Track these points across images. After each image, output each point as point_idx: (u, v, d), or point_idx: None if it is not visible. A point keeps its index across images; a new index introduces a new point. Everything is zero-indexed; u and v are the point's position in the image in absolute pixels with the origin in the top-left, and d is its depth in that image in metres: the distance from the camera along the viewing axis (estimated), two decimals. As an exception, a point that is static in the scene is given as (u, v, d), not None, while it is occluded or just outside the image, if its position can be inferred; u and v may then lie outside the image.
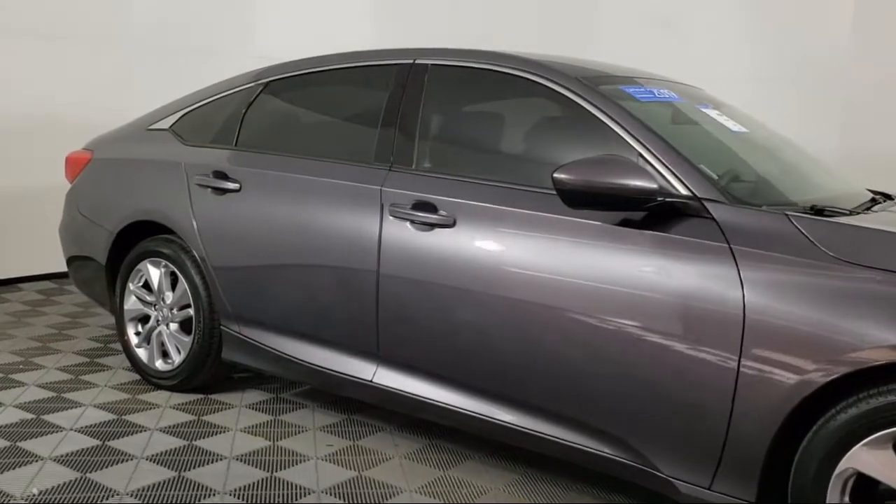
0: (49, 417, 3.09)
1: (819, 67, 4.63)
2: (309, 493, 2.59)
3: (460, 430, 2.79)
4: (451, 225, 2.60)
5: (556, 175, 2.26)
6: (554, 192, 2.36)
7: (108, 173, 3.75)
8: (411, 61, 2.96)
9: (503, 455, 2.93)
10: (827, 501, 1.98)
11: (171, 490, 2.56)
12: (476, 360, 2.60)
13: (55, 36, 5.22)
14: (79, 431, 2.98)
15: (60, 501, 2.46)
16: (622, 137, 2.41)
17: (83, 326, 4.43)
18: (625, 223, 2.30)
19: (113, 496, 2.50)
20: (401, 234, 2.72)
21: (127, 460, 2.76)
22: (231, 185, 3.19)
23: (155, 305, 3.49)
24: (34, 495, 2.48)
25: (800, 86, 4.63)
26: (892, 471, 1.90)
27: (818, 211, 2.26)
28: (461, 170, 2.76)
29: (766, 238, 2.12)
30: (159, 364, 3.48)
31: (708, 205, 2.21)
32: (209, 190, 3.26)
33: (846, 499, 1.98)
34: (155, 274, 3.47)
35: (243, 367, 3.38)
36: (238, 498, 2.53)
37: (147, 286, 3.52)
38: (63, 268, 4.10)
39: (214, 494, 2.55)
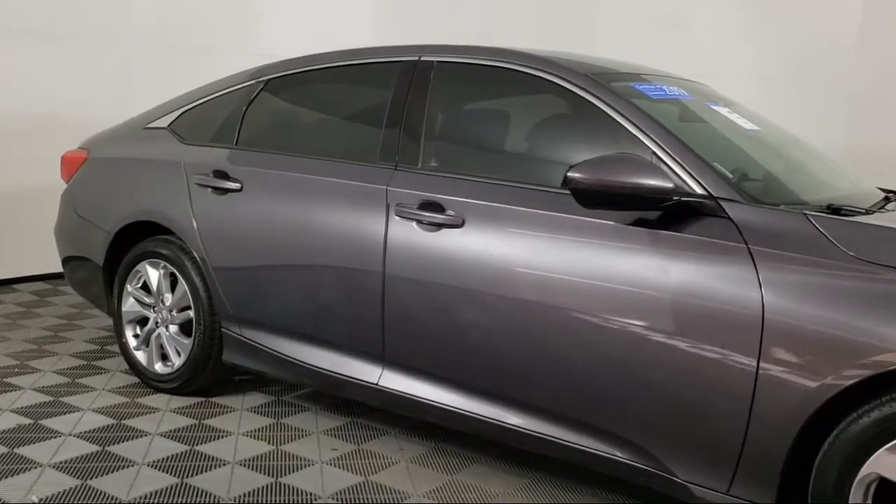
0: (47, 422, 3.03)
1: (822, 65, 4.59)
2: (316, 499, 2.54)
3: (466, 433, 2.74)
4: (460, 225, 2.55)
5: (569, 174, 2.21)
6: (565, 192, 2.33)
7: (105, 173, 3.69)
8: (416, 58, 2.91)
9: (510, 458, 2.88)
10: (849, 506, 1.94)
11: (174, 497, 2.51)
12: (485, 363, 2.56)
13: (54, 35, 5.15)
14: (78, 437, 2.92)
15: (61, 509, 2.40)
16: (635, 136, 2.36)
17: (79, 328, 4.36)
18: (639, 223, 2.25)
19: (115, 504, 2.45)
20: (407, 234, 2.67)
21: (128, 466, 2.70)
22: (232, 185, 3.13)
23: (154, 307, 3.43)
24: None
25: (803, 83, 4.60)
26: (917, 475, 1.87)
27: (835, 210, 2.22)
28: (469, 169, 2.71)
29: (785, 238, 2.08)
30: (159, 367, 3.41)
31: (724, 204, 2.17)
32: (209, 190, 3.20)
33: (869, 503, 1.94)
34: (154, 275, 3.40)
35: (244, 370, 3.32)
36: (243, 504, 2.48)
37: (146, 288, 3.46)
38: (57, 268, 4.03)
39: (219, 501, 2.49)
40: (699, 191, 2.21)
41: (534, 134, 2.79)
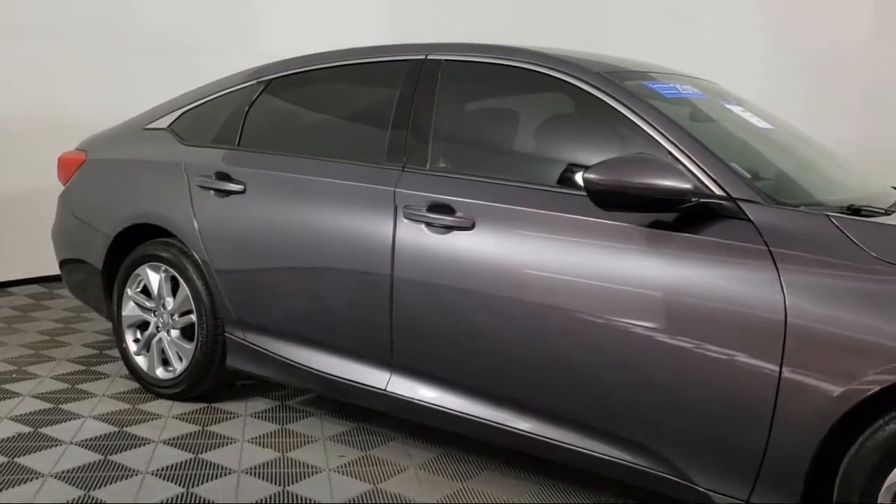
0: (47, 430, 2.97)
1: (833, 60, 4.53)
2: (325, 509, 2.49)
3: (476, 438, 2.69)
4: (470, 227, 2.50)
5: (586, 175, 2.16)
6: (579, 193, 2.28)
7: (104, 175, 3.62)
8: (423, 57, 2.85)
9: (519, 463, 2.83)
10: (876, 513, 1.90)
11: (179, 507, 2.45)
12: (496, 367, 2.50)
13: (52, 35, 5.07)
14: (79, 445, 2.86)
15: (64, 521, 2.34)
16: (651, 136, 2.31)
17: (77, 332, 4.29)
18: (655, 225, 2.20)
19: (119, 515, 2.39)
20: (416, 236, 2.61)
21: (131, 476, 2.64)
22: (235, 187, 3.07)
23: (155, 311, 3.37)
24: (36, 515, 2.36)
25: (812, 80, 4.53)
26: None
27: (854, 211, 2.18)
28: (479, 170, 2.66)
29: (807, 240, 2.03)
30: (160, 372, 3.35)
31: (743, 205, 2.12)
32: (211, 192, 3.14)
33: (896, 511, 1.90)
34: (154, 279, 3.34)
35: (246, 374, 3.26)
36: (250, 515, 2.43)
37: (146, 291, 3.39)
38: (53, 271, 3.96)
39: (226, 511, 2.44)
40: (717, 192, 2.16)
41: (545, 134, 2.73)
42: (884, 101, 4.40)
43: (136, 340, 3.45)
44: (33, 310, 4.71)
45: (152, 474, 2.66)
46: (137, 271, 3.39)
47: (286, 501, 2.52)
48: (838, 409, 1.91)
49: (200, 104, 3.45)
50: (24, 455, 2.75)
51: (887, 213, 2.24)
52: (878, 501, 1.89)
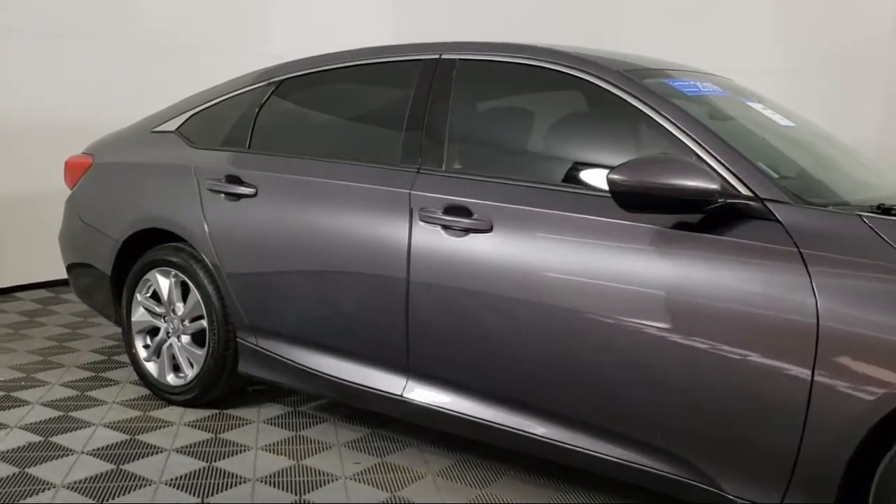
0: (58, 439, 2.92)
1: (855, 55, 4.44)
2: (343, 518, 2.44)
3: (496, 445, 2.63)
4: (488, 230, 2.45)
5: (611, 176, 2.11)
6: (601, 194, 2.24)
7: (112, 179, 3.57)
8: (437, 56, 2.80)
9: (538, 469, 2.78)
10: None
11: (195, 518, 2.41)
12: (516, 372, 2.46)
13: (53, 35, 5.03)
14: (90, 454, 2.81)
15: (78, 534, 2.30)
16: (674, 135, 2.26)
17: (84, 338, 4.24)
18: (680, 227, 2.15)
19: (134, 526, 2.34)
20: (432, 239, 2.56)
21: (145, 485, 2.59)
22: (246, 191, 3.02)
23: (165, 317, 3.32)
24: (49, 528, 2.32)
25: (833, 76, 4.44)
26: None
27: (885, 210, 2.12)
28: (496, 171, 2.61)
29: (838, 241, 1.98)
30: (171, 378, 3.30)
31: (771, 206, 2.07)
32: (222, 195, 3.09)
33: (934, 518, 1.85)
34: (164, 284, 3.29)
35: (259, 380, 3.21)
36: (268, 525, 2.38)
37: (156, 297, 3.34)
38: (58, 275, 3.91)
39: (242, 522, 2.39)
40: (744, 192, 2.11)
41: (564, 134, 2.68)
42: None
43: (146, 346, 3.40)
44: (40, 315, 4.67)
45: (166, 484, 2.61)
46: (147, 276, 3.34)
47: (303, 511, 2.48)
48: (874, 414, 1.85)
49: (209, 106, 3.40)
50: (35, 465, 2.70)
51: (918, 212, 2.19)
52: (916, 508, 1.85)
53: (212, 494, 2.55)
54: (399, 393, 2.71)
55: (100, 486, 2.57)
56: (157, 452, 2.85)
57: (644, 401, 2.22)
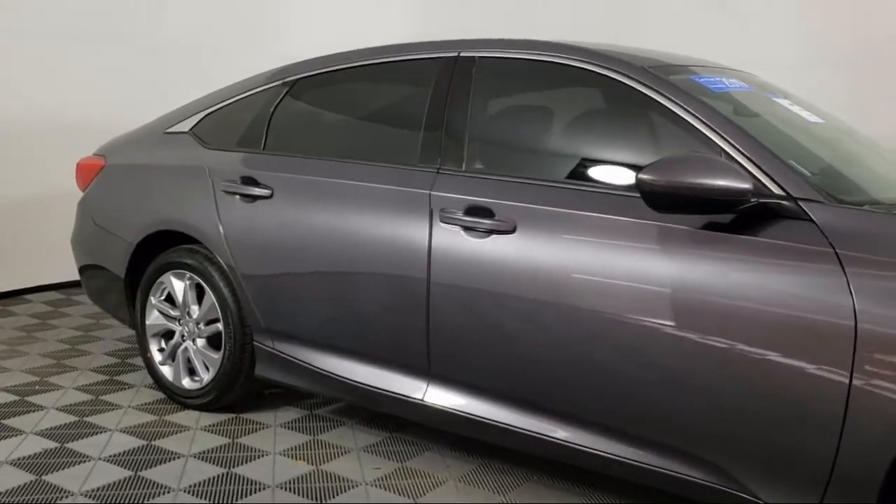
0: (74, 445, 2.88)
1: (873, 52, 4.35)
2: (365, 526, 2.40)
3: (522, 451, 2.59)
4: (511, 231, 2.40)
5: (640, 176, 2.05)
6: (629, 194, 2.19)
7: (125, 180, 3.53)
8: (455, 54, 2.75)
9: (561, 474, 2.73)
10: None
11: (215, 526, 2.37)
12: (540, 377, 2.41)
13: (63, 35, 4.99)
14: (107, 461, 2.77)
15: (97, 543, 2.26)
16: (703, 133, 2.20)
17: (97, 340, 4.21)
18: (711, 227, 2.10)
19: (154, 535, 2.31)
20: (453, 241, 2.52)
21: (164, 492, 2.55)
22: (262, 192, 2.98)
23: (180, 320, 3.28)
24: (68, 537, 2.28)
25: (852, 71, 4.35)
26: None
27: (920, 209, 2.07)
28: (518, 171, 2.56)
29: (876, 241, 1.93)
30: (186, 382, 3.27)
31: (805, 205, 2.02)
32: (237, 197, 3.05)
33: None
34: (179, 287, 3.25)
35: (275, 384, 3.17)
36: (289, 533, 2.34)
37: (170, 300, 3.31)
38: (69, 277, 3.87)
39: (263, 530, 2.35)
40: (777, 191, 2.06)
41: (588, 133, 2.62)
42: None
43: (161, 350, 3.36)
44: (52, 317, 4.64)
45: (185, 491, 2.57)
46: (161, 279, 3.30)
47: (325, 518, 2.44)
48: (915, 419, 1.80)
49: (222, 107, 3.36)
50: (51, 472, 2.66)
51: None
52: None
53: (232, 501, 2.51)
54: (420, 397, 2.67)
55: (118, 494, 2.53)
56: (174, 458, 2.81)
57: (673, 405, 2.17)
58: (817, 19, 4.59)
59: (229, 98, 3.35)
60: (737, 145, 2.15)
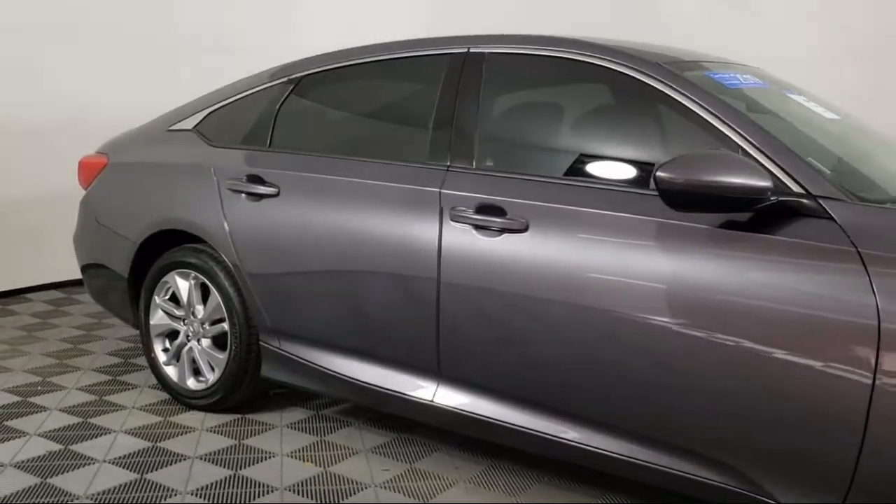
0: (78, 447, 2.84)
1: (887, 47, 4.31)
2: (376, 529, 2.36)
3: (534, 453, 2.55)
4: (523, 229, 2.36)
5: (658, 174, 2.02)
6: (645, 192, 2.16)
7: (128, 179, 3.49)
8: (465, 50, 2.71)
9: (570, 475, 2.70)
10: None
11: (224, 530, 2.33)
12: (553, 378, 2.37)
13: (67, 33, 4.95)
14: (112, 463, 2.73)
15: (104, 548, 2.22)
16: (720, 130, 2.17)
17: (99, 339, 4.17)
18: (729, 226, 2.06)
19: (161, 539, 2.27)
20: (464, 240, 2.48)
21: (171, 495, 2.52)
22: (268, 190, 2.94)
23: (184, 320, 3.24)
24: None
25: (865, 67, 4.30)
26: None
27: (944, 208, 2.03)
28: (529, 168, 2.53)
29: (900, 240, 1.89)
30: (191, 383, 3.23)
31: (825, 203, 1.98)
32: (243, 195, 3.01)
33: None
34: (183, 286, 3.21)
35: (281, 385, 3.13)
36: (299, 537, 2.30)
37: (175, 299, 3.27)
38: (70, 276, 3.83)
39: (272, 533, 2.32)
40: (796, 189, 2.02)
41: (601, 130, 2.58)
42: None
43: (166, 350, 3.32)
44: (53, 316, 4.59)
45: (192, 494, 2.53)
46: (165, 278, 3.26)
47: (334, 521, 2.40)
48: (940, 422, 1.77)
49: (227, 104, 3.32)
50: (56, 475, 2.63)
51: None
52: None
53: (240, 504, 2.48)
54: (429, 398, 2.63)
55: (124, 498, 2.49)
56: (180, 460, 2.77)
57: (689, 407, 2.13)
58: (833, 14, 4.53)
59: (234, 95, 3.30)
60: (755, 143, 2.11)
